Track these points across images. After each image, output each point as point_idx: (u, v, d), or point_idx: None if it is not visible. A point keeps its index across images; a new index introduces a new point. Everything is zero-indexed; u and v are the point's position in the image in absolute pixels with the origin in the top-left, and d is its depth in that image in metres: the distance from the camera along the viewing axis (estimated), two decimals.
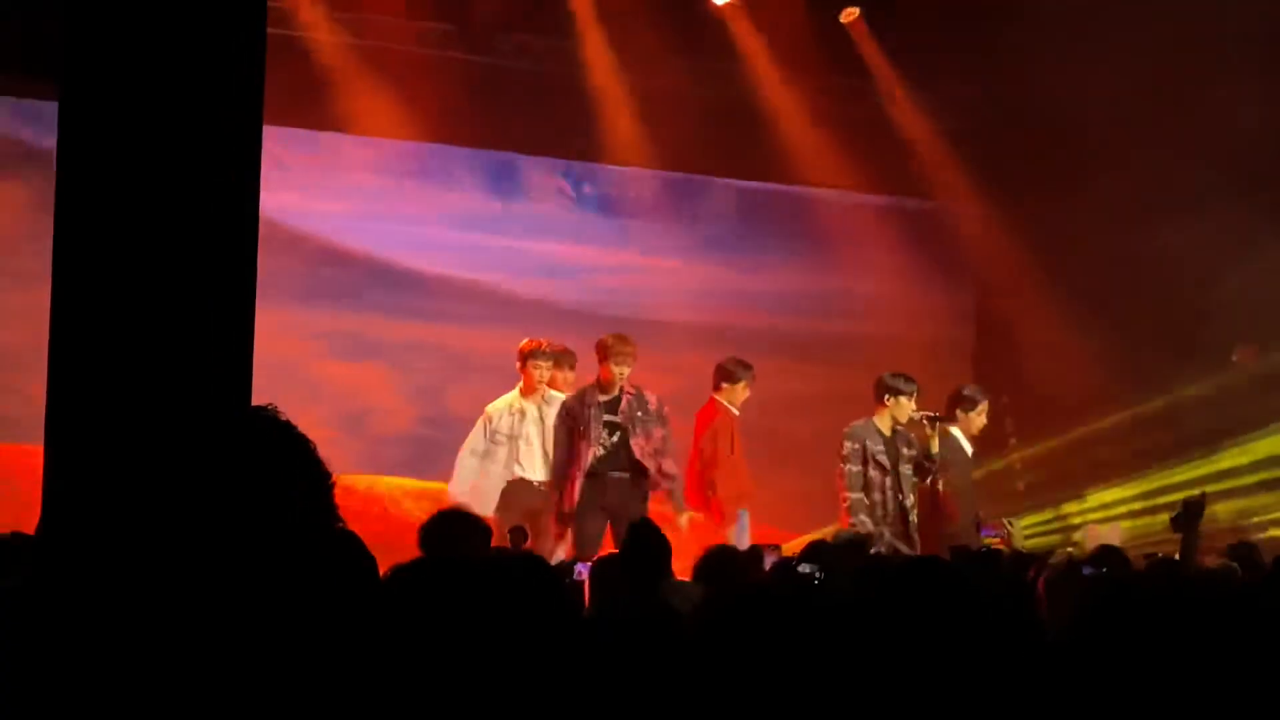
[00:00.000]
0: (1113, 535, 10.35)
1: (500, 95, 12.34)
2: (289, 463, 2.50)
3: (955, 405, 10.58)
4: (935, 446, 10.22)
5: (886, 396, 10.29)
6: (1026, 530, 11.48)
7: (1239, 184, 11.31)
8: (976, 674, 2.67)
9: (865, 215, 13.65)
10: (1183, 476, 11.97)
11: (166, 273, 3.95)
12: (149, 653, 2.38)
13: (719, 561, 5.92)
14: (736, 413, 10.63)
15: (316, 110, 11.75)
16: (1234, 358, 12.14)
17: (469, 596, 2.55)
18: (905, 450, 10.25)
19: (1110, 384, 12.52)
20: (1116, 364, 12.38)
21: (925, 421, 10.25)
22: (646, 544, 5.96)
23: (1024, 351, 13.19)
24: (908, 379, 10.41)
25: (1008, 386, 13.52)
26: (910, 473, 10.23)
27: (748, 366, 10.70)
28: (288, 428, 2.51)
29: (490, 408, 10.45)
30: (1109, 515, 12.42)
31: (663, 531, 6.19)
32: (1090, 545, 9.46)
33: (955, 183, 13.43)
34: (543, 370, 10.34)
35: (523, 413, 10.37)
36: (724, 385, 10.64)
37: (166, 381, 3.78)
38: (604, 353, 10.08)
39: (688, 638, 3.02)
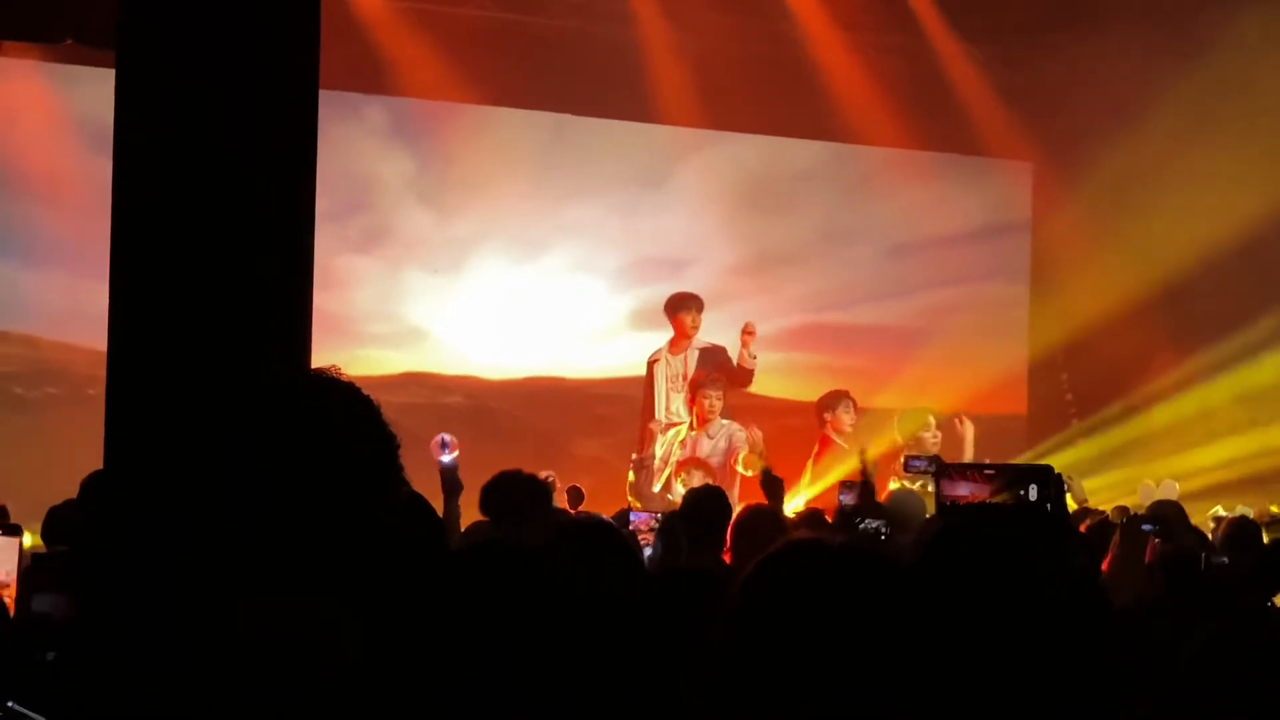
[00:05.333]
0: (1169, 492, 10.23)
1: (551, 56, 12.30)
2: (354, 426, 2.45)
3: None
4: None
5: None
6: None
7: None
8: (1042, 630, 2.63)
9: (919, 173, 13.53)
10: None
11: (226, 237, 3.95)
12: (209, 625, 2.34)
13: (752, 523, 5.85)
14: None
15: (368, 74, 11.78)
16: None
17: (536, 564, 2.54)
18: None
19: (1169, 349, 12.39)
20: (1174, 327, 12.25)
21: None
22: (702, 507, 5.97)
23: (1081, 313, 13.05)
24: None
25: (1062, 348, 13.39)
26: None
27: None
28: (352, 389, 2.45)
29: None
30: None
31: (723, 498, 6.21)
32: (1145, 502, 9.39)
33: (1010, 141, 13.28)
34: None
35: None
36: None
37: (226, 345, 3.79)
38: None
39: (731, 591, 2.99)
